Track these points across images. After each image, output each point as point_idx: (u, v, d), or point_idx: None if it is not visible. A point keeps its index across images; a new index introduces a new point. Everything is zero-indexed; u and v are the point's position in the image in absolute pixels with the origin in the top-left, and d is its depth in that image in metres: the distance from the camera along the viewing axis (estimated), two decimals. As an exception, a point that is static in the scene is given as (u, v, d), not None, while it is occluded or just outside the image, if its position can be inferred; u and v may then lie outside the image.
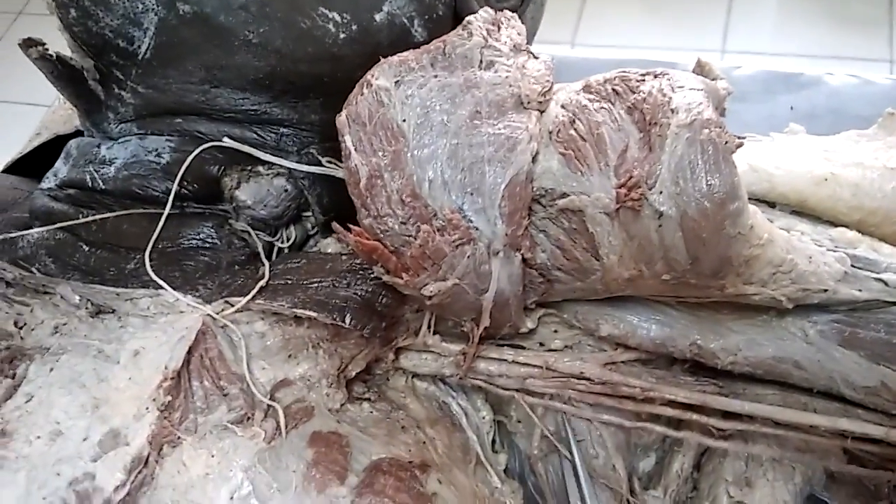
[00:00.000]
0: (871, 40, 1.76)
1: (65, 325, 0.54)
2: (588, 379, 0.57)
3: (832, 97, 0.86)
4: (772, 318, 0.55)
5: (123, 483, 0.45)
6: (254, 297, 0.53)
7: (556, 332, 0.59)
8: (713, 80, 0.57)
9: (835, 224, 0.59)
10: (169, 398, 0.48)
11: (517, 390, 0.59)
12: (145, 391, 0.48)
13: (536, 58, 0.57)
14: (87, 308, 0.55)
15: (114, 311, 0.55)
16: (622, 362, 0.57)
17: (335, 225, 0.51)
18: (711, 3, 1.90)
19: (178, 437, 0.48)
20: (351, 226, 0.52)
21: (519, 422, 0.61)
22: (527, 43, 0.58)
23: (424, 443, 0.55)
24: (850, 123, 0.67)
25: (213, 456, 0.47)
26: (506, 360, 0.58)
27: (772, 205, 0.60)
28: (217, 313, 0.53)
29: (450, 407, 0.59)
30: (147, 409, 0.47)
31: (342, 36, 0.58)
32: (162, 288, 0.54)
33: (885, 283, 0.53)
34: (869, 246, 0.56)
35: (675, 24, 1.89)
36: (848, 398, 0.54)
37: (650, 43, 1.86)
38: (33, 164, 0.78)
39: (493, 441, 0.60)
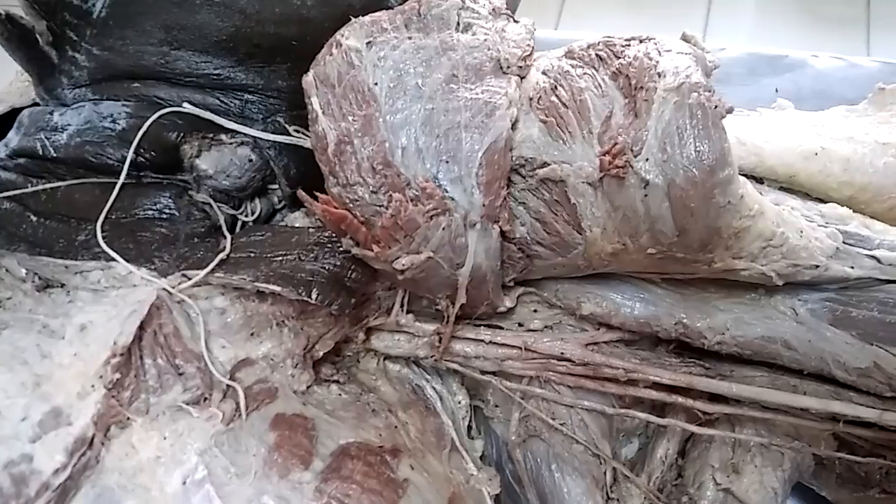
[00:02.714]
0: (848, 39, 1.77)
1: (9, 299, 0.50)
2: (569, 360, 0.54)
3: (817, 80, 0.85)
4: (760, 297, 0.53)
5: (64, 466, 0.42)
6: (213, 270, 0.50)
7: (535, 311, 0.57)
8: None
9: (824, 201, 0.57)
10: (117, 376, 0.45)
11: (494, 373, 0.56)
12: (91, 368, 0.44)
13: (516, 22, 0.54)
14: (33, 281, 0.51)
15: (62, 285, 0.51)
16: (604, 343, 0.55)
17: (301, 192, 0.48)
18: (690, 2, 1.90)
19: (128, 418, 0.44)
20: (318, 194, 0.48)
21: (496, 406, 0.58)
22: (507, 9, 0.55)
23: (396, 427, 0.52)
24: (835, 106, 0.65)
25: (165, 438, 0.44)
26: (483, 340, 0.55)
27: (759, 181, 0.57)
28: (173, 287, 0.49)
29: (423, 390, 0.56)
30: (93, 386, 0.44)
31: (312, -4, 0.55)
32: (114, 260, 0.51)
33: (878, 260, 0.52)
34: (860, 222, 0.54)
35: (655, 20, 1.89)
36: (839, 380, 0.52)
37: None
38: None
39: (469, 426, 0.57)
